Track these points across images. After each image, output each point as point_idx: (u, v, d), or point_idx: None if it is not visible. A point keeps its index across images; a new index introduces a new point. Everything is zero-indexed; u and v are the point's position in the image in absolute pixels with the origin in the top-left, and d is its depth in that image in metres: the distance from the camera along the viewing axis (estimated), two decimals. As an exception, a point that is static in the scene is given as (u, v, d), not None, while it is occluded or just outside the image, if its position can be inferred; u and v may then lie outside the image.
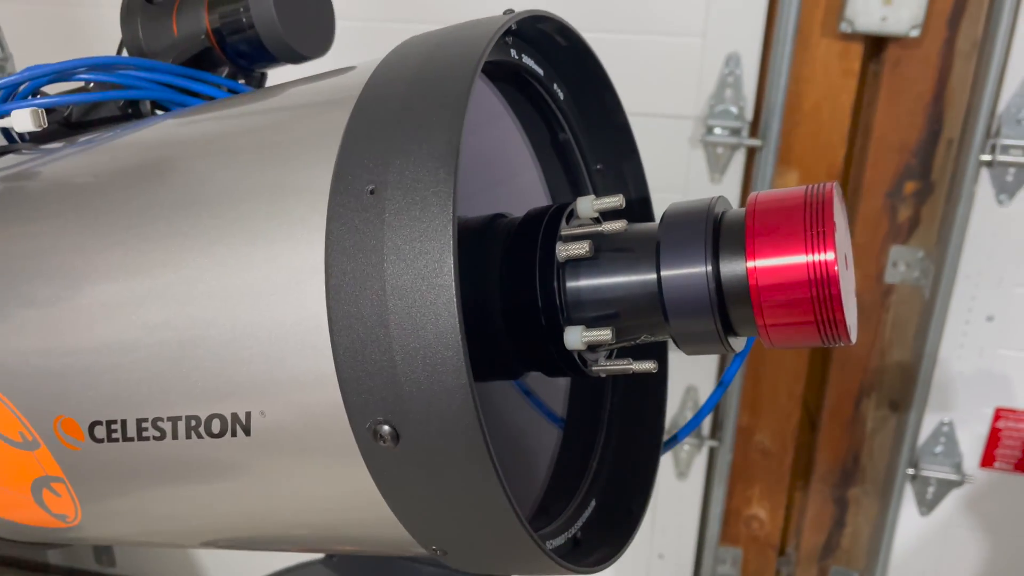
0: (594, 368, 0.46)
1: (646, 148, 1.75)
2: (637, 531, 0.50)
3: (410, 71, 0.40)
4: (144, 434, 0.43)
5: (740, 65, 1.50)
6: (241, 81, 0.67)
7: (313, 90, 0.47)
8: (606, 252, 0.43)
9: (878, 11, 1.43)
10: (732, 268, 0.40)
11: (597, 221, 0.44)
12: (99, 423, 0.44)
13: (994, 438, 1.69)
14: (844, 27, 1.46)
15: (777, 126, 1.52)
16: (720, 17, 1.48)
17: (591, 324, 0.43)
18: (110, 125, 0.61)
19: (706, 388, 1.76)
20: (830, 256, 0.38)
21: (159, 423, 0.43)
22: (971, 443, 1.70)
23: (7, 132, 0.63)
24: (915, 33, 1.44)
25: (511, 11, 0.44)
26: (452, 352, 0.34)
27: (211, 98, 0.62)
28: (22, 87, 0.60)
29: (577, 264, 0.43)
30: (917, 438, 1.70)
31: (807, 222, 0.38)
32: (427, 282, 0.35)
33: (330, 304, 0.36)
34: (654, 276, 0.41)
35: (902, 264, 1.65)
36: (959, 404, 1.67)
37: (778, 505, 1.93)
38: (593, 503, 0.53)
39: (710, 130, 1.54)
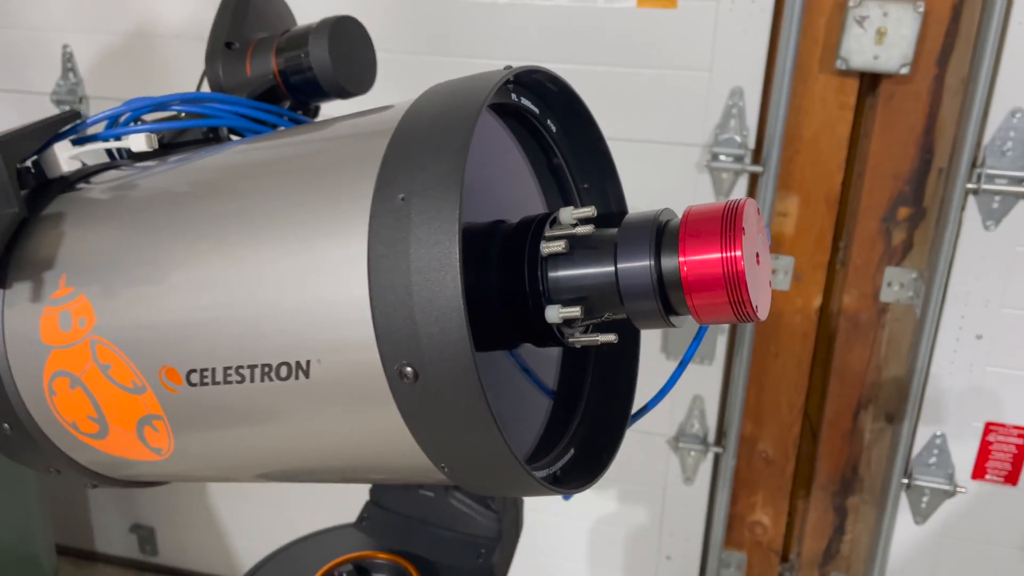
0: (570, 340, 0.59)
1: (656, 172, 1.90)
2: (603, 474, 0.62)
3: (432, 110, 0.54)
4: (229, 379, 0.57)
5: (743, 98, 1.63)
6: (299, 112, 0.82)
7: (359, 123, 0.61)
8: (578, 249, 0.57)
9: (871, 50, 1.55)
10: (669, 262, 0.53)
11: (574, 227, 0.57)
12: (194, 371, 0.59)
13: (984, 451, 1.78)
14: (840, 64, 1.58)
15: (777, 154, 1.65)
16: (725, 54, 1.62)
17: (566, 304, 0.56)
18: (195, 147, 0.76)
19: (712, 398, 1.88)
20: (738, 253, 0.51)
21: (241, 370, 0.57)
22: (963, 455, 1.79)
23: (109, 152, 0.78)
24: (905, 71, 1.56)
25: (510, 67, 0.58)
26: (456, 312, 0.48)
27: (276, 126, 0.77)
28: (123, 117, 0.76)
29: (556, 258, 0.57)
30: (912, 449, 1.80)
31: (723, 227, 0.52)
32: (439, 262, 0.48)
33: (371, 278, 0.50)
34: (612, 268, 0.55)
35: (896, 284, 1.76)
36: (951, 417, 1.77)
37: (780, 512, 2.03)
38: (572, 451, 0.66)
39: (715, 157, 1.67)
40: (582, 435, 0.68)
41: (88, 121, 0.73)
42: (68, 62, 1.95)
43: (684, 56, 1.64)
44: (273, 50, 0.77)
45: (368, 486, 1.05)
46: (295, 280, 0.54)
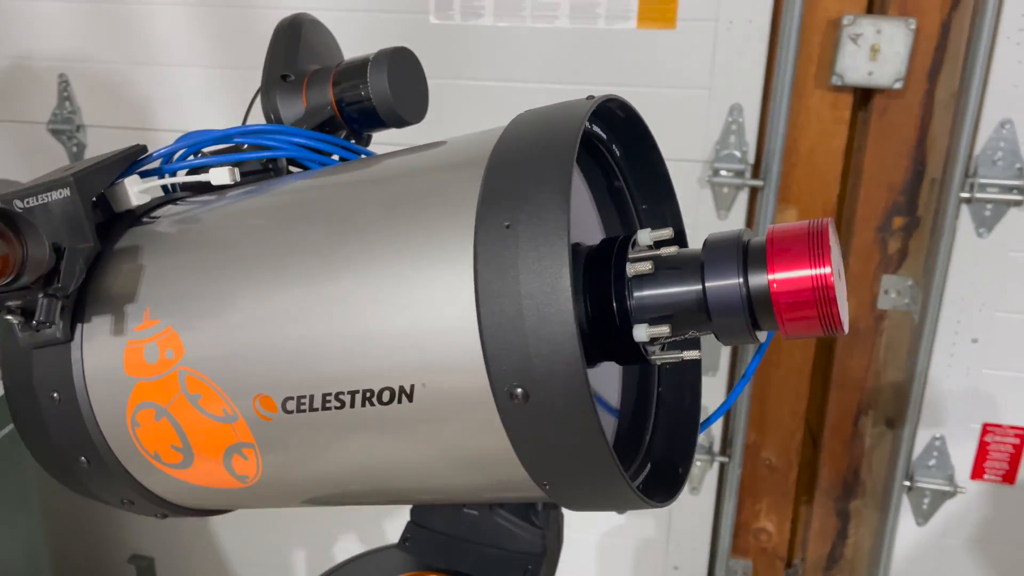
0: (652, 357, 0.61)
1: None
2: (685, 484, 0.65)
3: (526, 140, 0.56)
4: (327, 405, 0.58)
5: (743, 114, 1.68)
6: (352, 141, 0.83)
7: (446, 153, 0.63)
8: (663, 269, 0.59)
9: (865, 66, 1.61)
10: (757, 280, 0.56)
11: (658, 247, 0.60)
12: (291, 398, 0.60)
13: (983, 452, 1.83)
14: (835, 80, 1.64)
15: (777, 168, 1.69)
16: (724, 72, 1.66)
17: (653, 322, 0.59)
18: (254, 178, 0.77)
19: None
20: (828, 270, 0.54)
21: (341, 396, 0.58)
22: (962, 456, 1.84)
23: (164, 186, 0.79)
24: (898, 85, 1.62)
25: (592, 96, 0.61)
26: (569, 335, 0.50)
27: (333, 155, 0.78)
28: (178, 154, 0.76)
29: (641, 278, 0.59)
30: (912, 452, 1.85)
31: (810, 245, 0.54)
32: (551, 286, 0.50)
33: (480, 304, 0.52)
34: (700, 287, 0.57)
35: (893, 292, 1.81)
36: (949, 420, 1.82)
37: (785, 518, 2.07)
38: (649, 466, 0.68)
39: (716, 172, 1.71)
40: (656, 449, 0.70)
41: (153, 155, 0.74)
42: (64, 91, 1.94)
43: (684, 75, 1.68)
44: (330, 81, 0.79)
45: (400, 507, 1.06)
46: (399, 307, 0.56)
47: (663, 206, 0.73)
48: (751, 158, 1.71)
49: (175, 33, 1.87)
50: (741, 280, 0.56)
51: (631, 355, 0.61)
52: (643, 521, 2.07)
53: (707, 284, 0.57)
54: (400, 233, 0.57)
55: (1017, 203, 1.61)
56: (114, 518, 2.39)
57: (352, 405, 0.58)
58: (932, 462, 1.86)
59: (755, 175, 1.72)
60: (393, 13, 1.73)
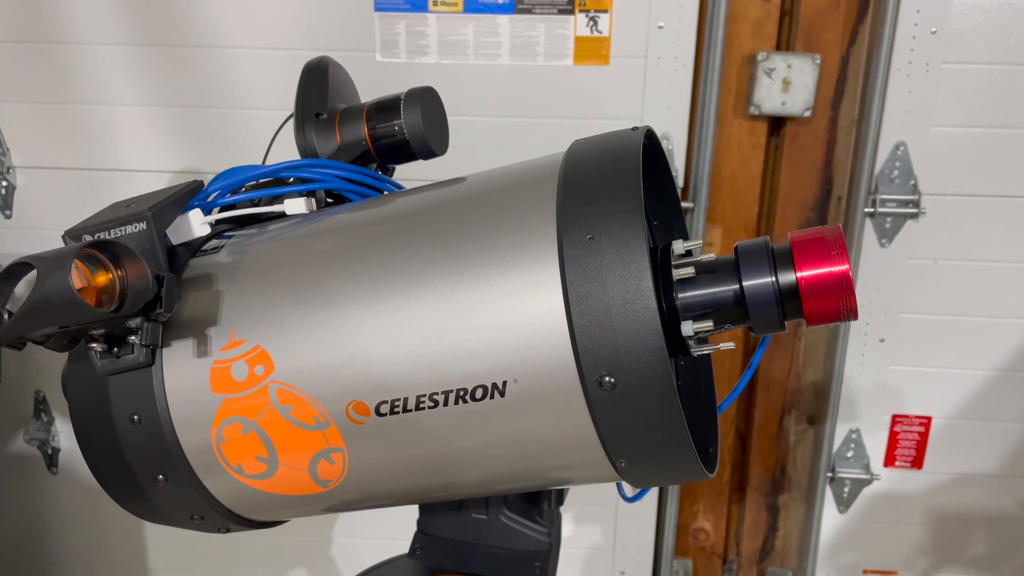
0: (693, 350, 0.71)
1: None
2: (718, 460, 0.74)
3: (591, 164, 0.65)
4: (421, 406, 0.65)
5: (672, 142, 1.82)
6: (380, 172, 0.90)
7: (512, 176, 0.71)
8: (702, 273, 0.69)
9: (779, 97, 1.78)
10: (787, 277, 0.67)
11: (697, 255, 0.70)
12: (385, 402, 0.66)
13: (893, 441, 2.03)
14: (752, 110, 1.81)
15: (706, 191, 1.84)
16: (653, 104, 1.80)
17: (696, 319, 0.69)
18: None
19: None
20: (847, 266, 0.65)
21: (435, 396, 0.64)
22: (875, 446, 2.03)
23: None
24: (807, 114, 1.80)
25: (636, 127, 0.71)
26: (654, 330, 0.59)
27: (372, 187, 0.85)
28: (212, 196, 0.81)
29: (684, 281, 0.69)
30: (832, 446, 2.02)
31: (831, 247, 0.66)
32: (635, 288, 0.59)
33: (571, 306, 0.60)
34: (737, 286, 0.68)
35: (809, 300, 1.99)
36: (863, 414, 2.01)
37: (720, 517, 2.21)
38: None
39: (651, 196, 1.85)
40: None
41: (210, 188, 0.79)
42: (-7, 132, 1.90)
43: (617, 107, 1.81)
44: (363, 118, 0.86)
45: (409, 518, 1.11)
46: (490, 314, 0.63)
47: (672, 222, 0.84)
48: (680, 182, 1.86)
49: (107, 72, 1.86)
50: (773, 279, 0.67)
51: (676, 349, 0.71)
52: (590, 529, 2.17)
53: (744, 283, 0.67)
54: (485, 248, 0.65)
55: (913, 216, 1.82)
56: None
57: (445, 404, 0.65)
58: (850, 453, 2.04)
59: (683, 198, 1.86)
60: (340, 51, 1.78)
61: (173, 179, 1.93)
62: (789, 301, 0.67)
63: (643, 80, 1.79)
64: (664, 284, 0.69)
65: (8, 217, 1.97)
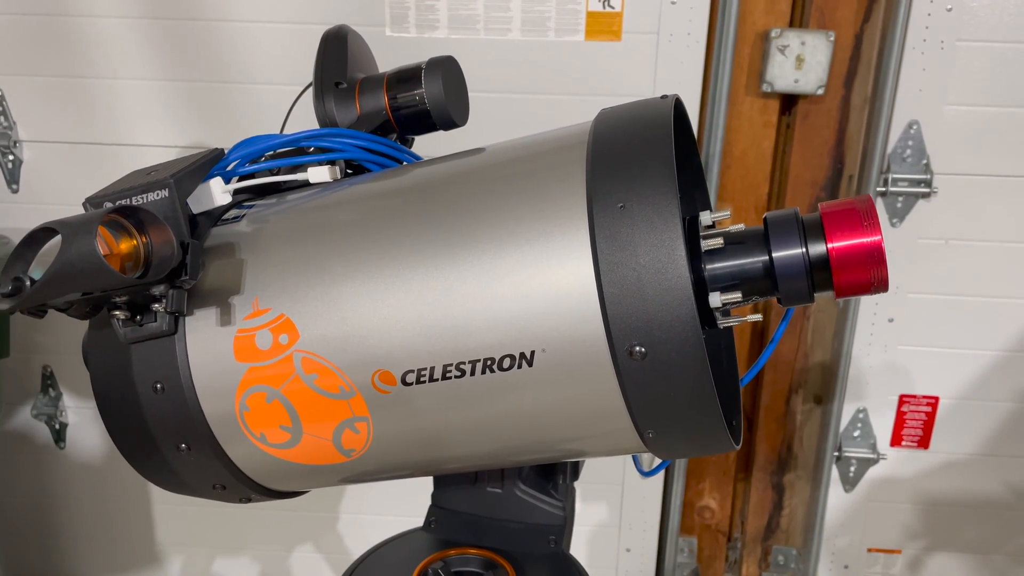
0: (720, 322, 0.71)
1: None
2: (742, 432, 0.74)
3: (620, 133, 0.65)
4: (448, 375, 0.65)
5: (683, 119, 1.81)
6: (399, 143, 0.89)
7: (537, 145, 0.70)
8: (730, 244, 0.69)
9: (791, 75, 1.77)
10: (817, 248, 0.66)
11: (724, 225, 0.69)
12: (411, 371, 0.65)
13: (900, 421, 2.03)
14: (765, 87, 1.79)
15: (717, 169, 1.84)
16: (665, 81, 1.79)
17: (724, 290, 0.68)
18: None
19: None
20: (879, 237, 0.64)
21: (462, 366, 0.64)
22: (882, 426, 2.04)
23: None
24: (820, 92, 1.79)
25: (666, 96, 0.70)
26: (686, 300, 0.58)
27: (392, 157, 0.84)
28: (232, 165, 0.80)
29: (712, 252, 0.68)
30: (840, 425, 2.02)
31: (862, 217, 0.65)
32: (668, 257, 0.58)
33: (601, 275, 0.60)
34: (767, 257, 0.67)
35: (819, 279, 1.98)
36: (871, 393, 2.01)
37: (726, 495, 2.21)
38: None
39: (662, 173, 1.83)
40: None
41: (230, 157, 0.78)
42: (0, 105, 1.88)
43: (628, 84, 1.80)
44: (384, 88, 0.85)
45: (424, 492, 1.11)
46: (518, 282, 0.63)
47: (694, 193, 0.83)
48: (691, 160, 1.84)
49: (115, 47, 1.84)
50: (803, 250, 0.66)
51: (703, 321, 0.70)
52: (596, 507, 2.17)
53: (774, 254, 0.67)
54: (512, 216, 0.65)
55: (925, 195, 1.81)
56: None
57: (472, 373, 0.65)
58: (856, 433, 2.04)
59: (695, 176, 1.85)
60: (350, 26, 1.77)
61: (180, 154, 1.91)
62: (819, 272, 0.67)
63: (655, 56, 1.77)
64: (692, 255, 0.68)
65: (15, 191, 1.96)
